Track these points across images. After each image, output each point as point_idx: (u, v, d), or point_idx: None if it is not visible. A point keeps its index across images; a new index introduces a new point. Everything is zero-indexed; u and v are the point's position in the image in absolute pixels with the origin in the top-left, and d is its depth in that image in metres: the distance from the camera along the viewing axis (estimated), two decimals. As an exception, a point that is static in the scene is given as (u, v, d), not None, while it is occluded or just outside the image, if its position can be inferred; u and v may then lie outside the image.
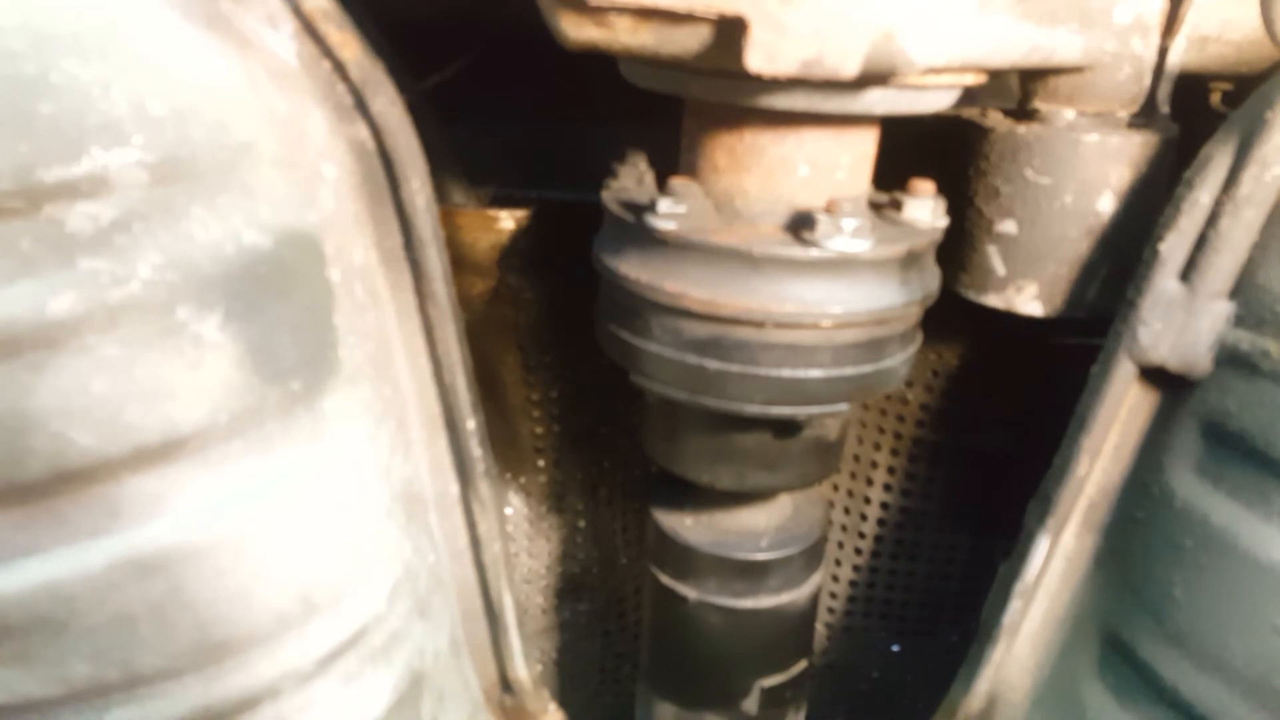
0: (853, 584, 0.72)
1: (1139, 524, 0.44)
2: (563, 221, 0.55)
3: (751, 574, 0.48)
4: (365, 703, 0.42)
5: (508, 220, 0.58)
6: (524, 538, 0.74)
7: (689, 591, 0.49)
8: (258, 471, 0.41)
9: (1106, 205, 0.47)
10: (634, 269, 0.42)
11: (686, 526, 0.49)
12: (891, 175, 0.47)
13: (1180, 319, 0.41)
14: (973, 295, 0.51)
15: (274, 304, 0.41)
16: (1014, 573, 0.46)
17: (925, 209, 0.44)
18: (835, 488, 0.71)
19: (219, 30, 0.41)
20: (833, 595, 0.73)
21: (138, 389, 0.37)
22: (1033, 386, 0.59)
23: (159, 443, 0.38)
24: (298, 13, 0.43)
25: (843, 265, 0.40)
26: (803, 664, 0.53)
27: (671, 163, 0.47)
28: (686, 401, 0.43)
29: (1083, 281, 0.48)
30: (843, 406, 0.43)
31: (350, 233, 0.45)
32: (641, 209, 0.42)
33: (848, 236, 0.40)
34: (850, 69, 0.34)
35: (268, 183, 0.41)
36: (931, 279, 0.45)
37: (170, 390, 0.37)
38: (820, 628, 0.72)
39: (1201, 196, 0.41)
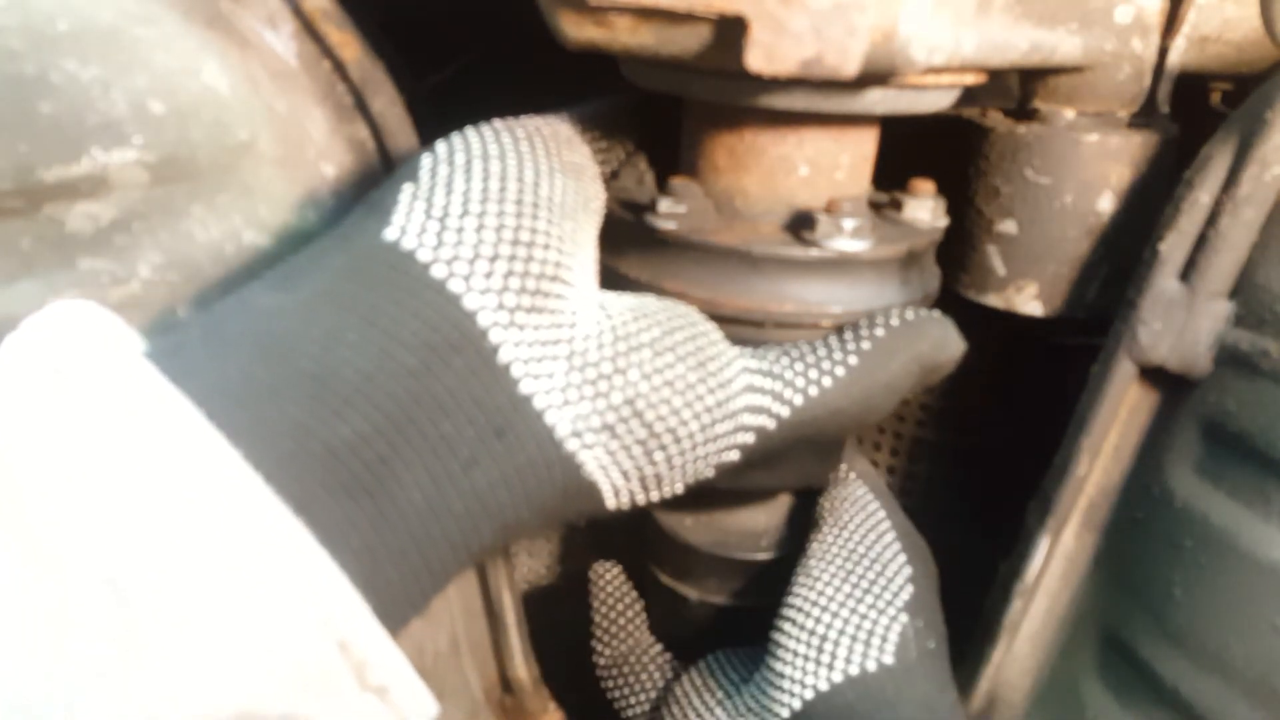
0: (853, 584, 0.71)
1: (1139, 524, 0.44)
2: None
3: (752, 574, 0.48)
4: None
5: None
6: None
7: (689, 591, 0.49)
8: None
9: (1106, 205, 0.47)
10: (634, 269, 0.42)
11: (686, 526, 0.49)
12: (891, 175, 0.47)
13: (1180, 319, 0.41)
14: (973, 295, 0.51)
15: (274, 304, 0.41)
16: (1014, 573, 0.46)
17: (925, 209, 0.44)
18: (835, 488, 0.71)
19: (219, 30, 0.41)
20: (833, 595, 0.73)
21: (138, 389, 0.36)
22: (1032, 386, 0.59)
23: (159, 443, 0.38)
24: (298, 13, 0.43)
25: (843, 265, 0.40)
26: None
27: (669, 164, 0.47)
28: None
29: (1083, 281, 0.48)
30: (843, 406, 0.43)
31: (350, 232, 0.45)
32: (642, 209, 0.42)
33: (848, 236, 0.40)
34: (850, 69, 0.34)
35: (267, 182, 0.41)
36: (931, 279, 0.45)
37: (170, 390, 0.37)
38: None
39: (1201, 196, 0.41)
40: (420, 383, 0.29)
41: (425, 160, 0.33)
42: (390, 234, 0.31)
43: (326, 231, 0.33)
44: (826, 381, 0.38)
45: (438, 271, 0.30)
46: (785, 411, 0.37)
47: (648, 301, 0.37)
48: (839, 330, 0.40)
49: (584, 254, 0.35)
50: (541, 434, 0.31)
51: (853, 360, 0.38)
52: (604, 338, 0.33)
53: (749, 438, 0.37)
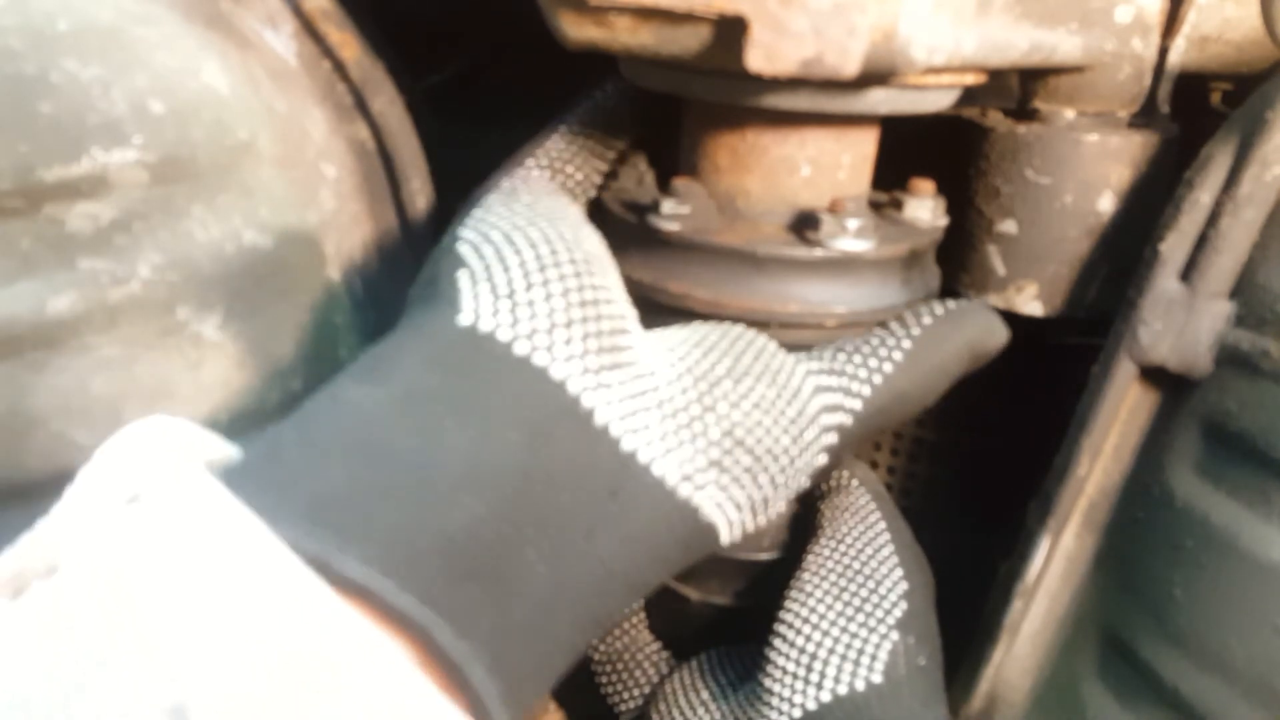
0: (852, 584, 0.71)
1: (1139, 524, 0.44)
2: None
3: (753, 574, 0.48)
4: None
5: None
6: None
7: (690, 592, 0.49)
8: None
9: (1106, 205, 0.47)
10: (636, 270, 0.42)
11: (687, 527, 0.49)
12: (892, 175, 0.47)
13: (1180, 319, 0.41)
14: (973, 295, 0.51)
15: (274, 304, 0.41)
16: (1014, 573, 0.46)
17: (926, 209, 0.44)
18: (835, 488, 0.71)
19: (219, 30, 0.41)
20: (832, 595, 0.72)
21: (137, 389, 0.37)
22: (1032, 386, 0.59)
23: (159, 443, 0.38)
24: (298, 12, 0.43)
25: (846, 265, 0.40)
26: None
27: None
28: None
29: (1083, 281, 0.48)
30: (844, 406, 0.43)
31: (350, 232, 0.45)
32: (644, 209, 0.42)
33: (851, 236, 0.40)
34: (850, 69, 0.34)
35: (267, 182, 0.41)
36: (932, 278, 0.45)
37: (170, 390, 0.37)
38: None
39: (1202, 196, 0.41)
40: (526, 458, 0.29)
41: (463, 248, 0.33)
42: (465, 319, 0.31)
43: (397, 325, 0.33)
44: (887, 368, 0.38)
45: (520, 348, 0.30)
46: (858, 405, 0.38)
47: (704, 331, 0.37)
48: (884, 323, 0.41)
49: (626, 295, 0.36)
50: (653, 486, 0.31)
51: (906, 344, 0.39)
52: (684, 380, 0.34)
53: (833, 438, 0.37)
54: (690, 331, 0.37)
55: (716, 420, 0.33)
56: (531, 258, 0.32)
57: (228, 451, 0.29)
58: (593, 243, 0.35)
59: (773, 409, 0.35)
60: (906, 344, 0.39)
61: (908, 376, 0.39)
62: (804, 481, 0.37)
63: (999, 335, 0.42)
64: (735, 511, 0.34)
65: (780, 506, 0.36)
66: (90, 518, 0.25)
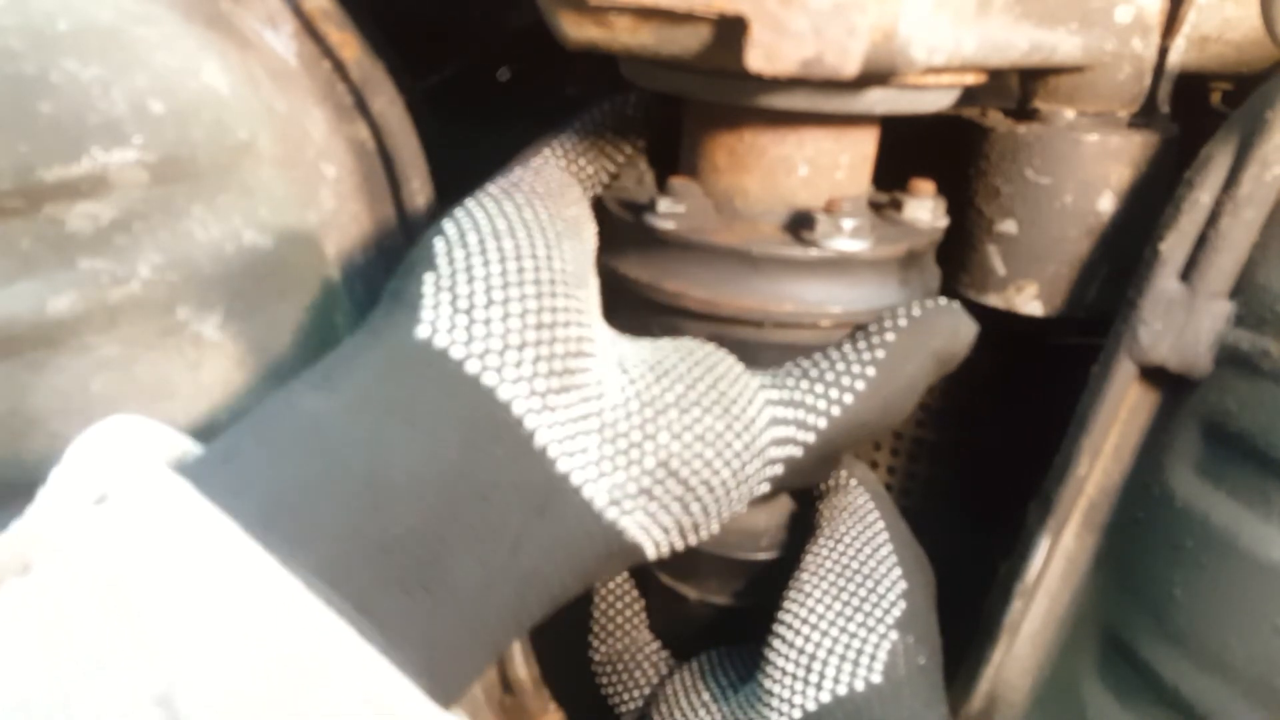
0: (853, 584, 0.71)
1: (1139, 524, 0.44)
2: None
3: (752, 574, 0.48)
4: None
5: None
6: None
7: (689, 591, 0.49)
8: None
9: (1107, 205, 0.47)
10: (633, 268, 0.42)
11: (687, 526, 0.49)
12: (891, 175, 0.47)
13: (1180, 319, 0.41)
14: (973, 295, 0.51)
15: (274, 304, 0.41)
16: (1014, 573, 0.46)
17: (925, 209, 0.44)
18: (835, 488, 0.71)
19: (219, 30, 0.41)
20: (833, 595, 0.72)
21: (138, 389, 0.37)
22: (1032, 386, 0.59)
23: (159, 443, 0.38)
24: (298, 12, 0.43)
25: (842, 265, 0.40)
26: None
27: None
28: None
29: (1083, 281, 0.48)
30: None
31: (350, 232, 0.45)
32: (641, 208, 0.42)
33: (846, 236, 0.40)
34: (850, 69, 0.34)
35: (268, 182, 0.41)
36: (932, 279, 0.45)
37: (170, 390, 0.37)
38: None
39: (1202, 196, 0.41)
40: (463, 475, 0.30)
41: (439, 244, 0.34)
42: (422, 331, 0.32)
43: (359, 326, 0.34)
44: (848, 399, 0.38)
45: (471, 367, 0.31)
46: (811, 438, 0.37)
47: (665, 353, 0.37)
48: (852, 336, 0.40)
49: (598, 313, 0.36)
50: (581, 507, 0.32)
51: (871, 372, 0.38)
52: (630, 405, 0.34)
53: (778, 469, 0.37)
54: (652, 352, 0.37)
55: (654, 450, 0.34)
56: (497, 272, 0.33)
57: (189, 448, 0.30)
58: (567, 259, 0.35)
59: (717, 442, 0.35)
60: (870, 371, 0.38)
61: (869, 405, 0.38)
62: (740, 508, 0.37)
63: (965, 335, 0.41)
64: (662, 534, 0.35)
65: (714, 529, 0.37)
66: (60, 517, 0.26)
